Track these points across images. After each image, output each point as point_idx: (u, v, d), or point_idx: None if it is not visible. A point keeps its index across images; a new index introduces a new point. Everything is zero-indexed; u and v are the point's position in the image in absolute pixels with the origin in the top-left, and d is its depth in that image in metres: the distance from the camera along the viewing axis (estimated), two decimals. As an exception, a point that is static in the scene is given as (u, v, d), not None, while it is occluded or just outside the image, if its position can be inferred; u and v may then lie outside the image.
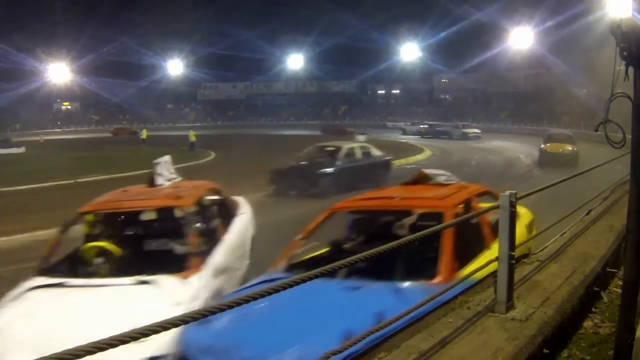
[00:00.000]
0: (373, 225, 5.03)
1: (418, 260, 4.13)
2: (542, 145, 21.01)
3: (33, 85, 60.32)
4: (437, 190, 4.79)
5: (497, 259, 3.55)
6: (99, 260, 4.60)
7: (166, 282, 4.11)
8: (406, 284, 3.73)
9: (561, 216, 5.07)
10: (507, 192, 3.39)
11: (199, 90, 77.84)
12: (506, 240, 3.35)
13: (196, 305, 3.92)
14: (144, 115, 64.52)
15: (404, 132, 47.52)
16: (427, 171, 5.27)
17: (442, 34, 57.78)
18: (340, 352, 2.26)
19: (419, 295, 2.83)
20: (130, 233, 5.46)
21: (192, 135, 31.89)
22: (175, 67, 72.65)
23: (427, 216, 4.67)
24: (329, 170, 13.81)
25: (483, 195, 5.21)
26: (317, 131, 51.36)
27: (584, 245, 4.95)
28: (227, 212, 6.16)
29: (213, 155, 27.35)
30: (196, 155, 26.82)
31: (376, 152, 16.36)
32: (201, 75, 72.59)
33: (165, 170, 5.72)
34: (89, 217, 5.18)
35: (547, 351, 3.05)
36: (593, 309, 4.04)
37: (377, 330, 2.52)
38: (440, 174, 5.24)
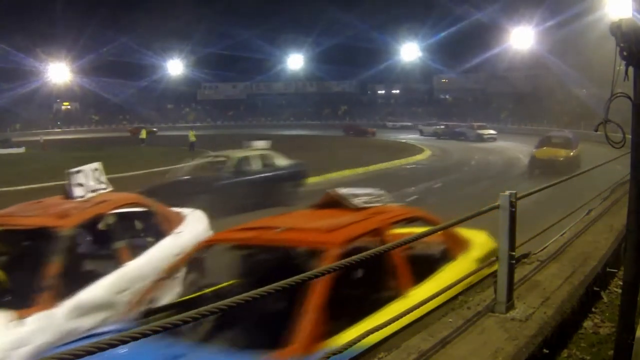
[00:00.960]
0: (253, 264, 4.07)
1: (284, 318, 3.00)
2: (533, 150, 18.60)
3: (33, 85, 60.30)
4: (338, 218, 3.70)
5: (468, 273, 3.55)
6: None
7: None
8: (245, 355, 2.85)
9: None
10: (507, 192, 3.38)
11: (199, 91, 77.81)
12: (506, 240, 3.35)
13: (22, 353, 3.41)
14: (144, 115, 64.48)
15: (422, 133, 46.18)
16: (341, 191, 4.16)
17: (442, 34, 57.83)
18: (340, 352, 2.25)
19: None
20: (17, 255, 4.71)
21: (191, 135, 31.88)
22: (175, 67, 72.63)
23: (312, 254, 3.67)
24: (209, 186, 11.26)
25: (412, 221, 4.26)
26: (316, 131, 51.44)
27: (584, 245, 4.95)
28: (155, 231, 5.43)
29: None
30: (196, 155, 26.80)
31: (283, 161, 13.63)
32: (201, 75, 72.59)
33: (90, 180, 5.03)
34: None
35: (547, 351, 3.05)
36: (593, 309, 4.04)
37: (377, 330, 2.52)
38: (360, 194, 4.18)
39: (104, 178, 5.24)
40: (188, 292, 4.09)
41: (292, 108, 72.67)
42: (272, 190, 12.21)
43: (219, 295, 3.71)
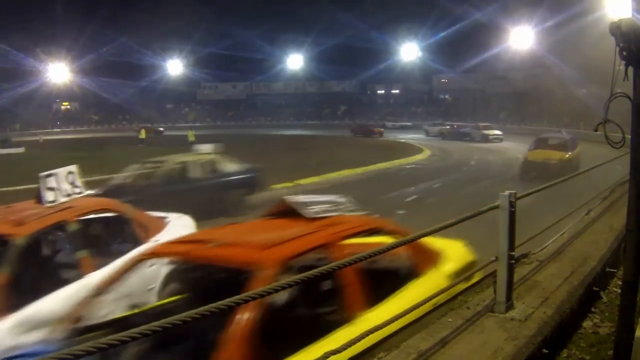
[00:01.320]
0: (187, 282, 3.75)
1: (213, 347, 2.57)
2: (526, 151, 17.84)
3: (33, 85, 60.40)
4: (284, 231, 3.30)
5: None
6: None
7: None
8: None
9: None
10: (507, 192, 3.38)
11: (199, 90, 77.84)
12: (505, 240, 3.35)
13: None
14: (144, 115, 64.52)
15: (427, 134, 45.24)
16: (294, 199, 3.74)
17: (442, 34, 57.96)
18: (339, 351, 2.25)
19: None
20: None
21: (191, 135, 31.99)
22: (175, 67, 72.71)
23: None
24: (141, 195, 9.91)
25: (372, 233, 3.75)
26: (318, 131, 51.44)
27: (584, 245, 4.95)
28: (130, 239, 5.15)
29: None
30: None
31: (232, 167, 12.27)
32: (201, 75, 72.67)
33: (64, 184, 4.80)
34: None
35: (547, 351, 3.05)
36: (592, 309, 4.05)
37: (376, 330, 2.52)
38: (316, 202, 3.73)
39: (79, 182, 4.99)
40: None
41: (292, 108, 72.71)
42: (216, 199, 10.80)
43: (153, 314, 3.44)
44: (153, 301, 4.34)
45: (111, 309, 3.62)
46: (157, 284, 4.65)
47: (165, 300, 3.79)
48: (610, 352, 3.07)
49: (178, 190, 10.46)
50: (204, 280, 3.59)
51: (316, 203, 3.72)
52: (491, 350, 2.80)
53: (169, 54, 70.61)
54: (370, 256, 2.28)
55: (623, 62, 2.57)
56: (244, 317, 2.47)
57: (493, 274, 3.51)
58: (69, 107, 71.89)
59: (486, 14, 51.47)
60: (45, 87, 63.27)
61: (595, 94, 30.97)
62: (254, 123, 67.89)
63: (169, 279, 3.86)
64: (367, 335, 2.43)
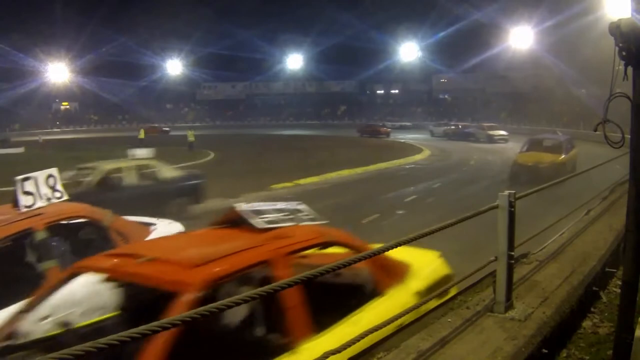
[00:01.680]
0: (117, 301, 3.42)
1: None
2: (517, 153, 16.77)
3: (32, 85, 60.46)
4: (223, 245, 2.97)
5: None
6: None
7: None
8: None
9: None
10: (506, 192, 3.38)
11: (198, 90, 77.89)
12: (505, 240, 3.34)
13: None
14: (143, 115, 64.53)
15: (432, 134, 44.63)
16: (242, 207, 3.35)
17: (441, 34, 58.07)
18: (339, 351, 2.25)
19: None
20: None
21: (190, 135, 31.98)
22: (174, 67, 72.81)
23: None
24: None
25: (326, 246, 3.32)
26: (315, 131, 51.46)
27: (583, 245, 4.95)
28: (107, 248, 4.61)
29: (212, 155, 27.39)
30: (195, 155, 26.85)
31: (169, 174, 11.50)
32: (200, 75, 72.74)
33: (43, 188, 4.57)
34: None
35: (546, 351, 3.05)
36: (592, 309, 4.05)
37: (376, 330, 2.52)
38: (267, 210, 3.38)
39: (59, 186, 4.72)
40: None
41: (291, 108, 72.79)
42: (152, 208, 9.45)
43: (84, 333, 3.22)
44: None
45: (70, 325, 3.37)
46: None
47: (97, 319, 3.49)
48: (610, 352, 3.07)
49: (105, 199, 9.15)
50: (131, 299, 3.30)
51: (270, 212, 3.35)
52: (491, 350, 2.80)
53: (169, 54, 70.80)
54: (320, 275, 1.95)
55: (622, 62, 2.57)
56: (159, 345, 2.17)
57: (492, 274, 3.51)
58: (68, 107, 71.88)
59: (486, 14, 51.55)
60: (44, 87, 63.33)
61: (595, 94, 31.00)
62: (253, 123, 67.94)
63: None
64: (367, 335, 2.43)
